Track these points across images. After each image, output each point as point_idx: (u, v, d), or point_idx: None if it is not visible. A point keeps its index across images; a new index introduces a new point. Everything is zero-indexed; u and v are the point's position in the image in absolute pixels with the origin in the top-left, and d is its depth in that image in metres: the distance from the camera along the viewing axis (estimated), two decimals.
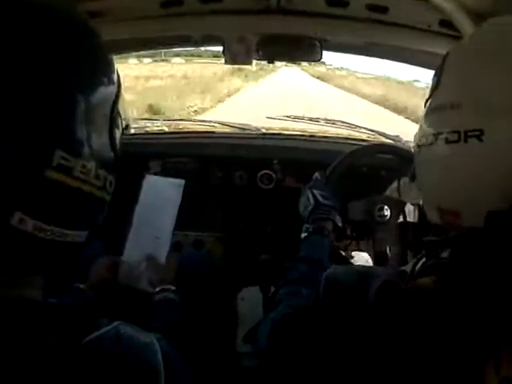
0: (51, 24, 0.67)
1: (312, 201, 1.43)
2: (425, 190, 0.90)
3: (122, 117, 0.80)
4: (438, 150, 0.79)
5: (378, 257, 1.86)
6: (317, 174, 1.54)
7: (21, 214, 0.62)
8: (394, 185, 1.75)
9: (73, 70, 0.67)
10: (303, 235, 1.37)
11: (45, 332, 0.65)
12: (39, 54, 0.63)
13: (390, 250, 1.80)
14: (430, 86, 0.88)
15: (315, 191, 1.45)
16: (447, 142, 0.76)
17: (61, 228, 0.67)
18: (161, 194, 1.53)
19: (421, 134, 0.85)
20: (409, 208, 1.67)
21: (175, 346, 0.90)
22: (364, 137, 2.56)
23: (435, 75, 0.85)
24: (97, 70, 0.72)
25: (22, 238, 0.63)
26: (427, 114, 0.85)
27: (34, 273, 0.72)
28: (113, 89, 0.75)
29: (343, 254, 2.02)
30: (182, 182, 1.53)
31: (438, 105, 0.81)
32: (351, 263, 1.95)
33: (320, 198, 1.42)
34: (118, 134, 0.77)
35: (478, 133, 0.71)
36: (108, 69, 0.75)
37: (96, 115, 0.69)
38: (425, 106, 0.87)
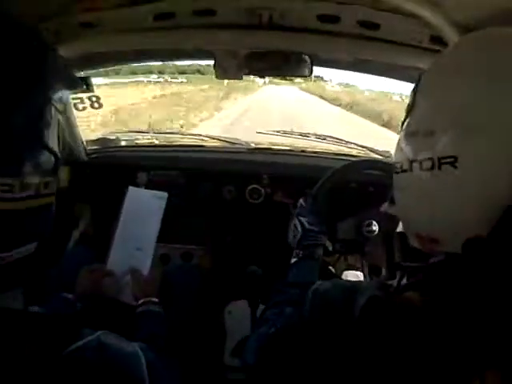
0: None
1: (299, 228, 1.43)
2: (402, 216, 0.90)
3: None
4: (413, 176, 0.78)
5: (372, 269, 1.87)
6: (301, 201, 1.53)
7: None
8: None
9: None
10: (293, 260, 1.37)
11: (25, 340, 0.64)
12: None
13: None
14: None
15: (302, 218, 1.45)
16: (421, 169, 0.76)
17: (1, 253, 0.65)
18: (144, 207, 1.54)
19: (397, 160, 0.84)
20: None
21: (159, 357, 0.89)
22: (354, 152, 2.58)
23: (411, 95, 0.84)
24: (16, 82, 0.66)
25: None
26: (403, 138, 0.83)
27: (7, 289, 0.70)
28: (38, 92, 0.69)
29: (332, 269, 2.02)
30: (165, 194, 1.54)
31: (412, 130, 0.80)
32: (340, 278, 1.96)
33: (306, 225, 1.42)
34: (48, 127, 0.71)
35: (451, 159, 0.70)
36: (30, 74, 0.69)
37: (12, 122, 0.64)
38: (401, 127, 0.86)
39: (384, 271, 1.85)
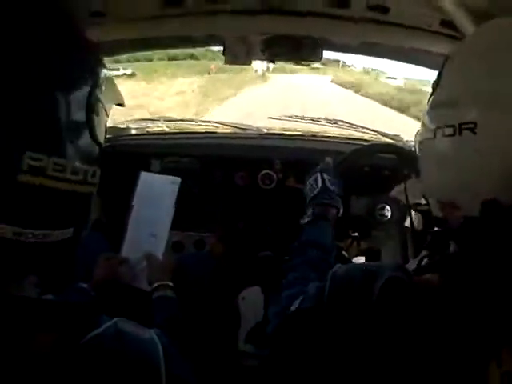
0: (12, 20, 0.63)
1: (320, 183, 1.40)
2: (426, 183, 0.94)
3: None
4: (436, 144, 0.83)
5: (369, 253, 1.86)
6: (328, 159, 1.51)
7: None
8: (400, 186, 1.74)
9: (39, 65, 0.64)
10: (306, 219, 1.35)
11: (42, 329, 0.64)
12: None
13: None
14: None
15: (324, 175, 1.41)
16: (444, 135, 0.80)
17: (42, 230, 0.66)
18: (156, 191, 1.54)
19: (422, 130, 0.89)
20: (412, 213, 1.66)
21: (174, 343, 0.90)
22: (366, 137, 2.56)
23: (437, 76, 0.89)
24: (65, 63, 0.68)
25: (4, 244, 0.62)
26: (428, 111, 0.88)
27: (25, 274, 0.71)
28: (87, 78, 0.71)
29: (345, 254, 2.02)
30: (178, 179, 1.54)
31: (437, 102, 0.86)
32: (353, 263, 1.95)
33: (328, 183, 1.39)
34: (97, 121, 0.73)
35: (471, 125, 0.75)
36: (79, 58, 0.72)
37: (67, 108, 0.66)
38: (427, 104, 0.90)
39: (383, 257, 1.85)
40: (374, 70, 39.31)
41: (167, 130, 2.65)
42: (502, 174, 0.73)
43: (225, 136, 2.59)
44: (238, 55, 1.82)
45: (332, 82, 32.86)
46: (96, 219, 2.14)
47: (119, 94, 1.41)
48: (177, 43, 2.20)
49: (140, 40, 1.91)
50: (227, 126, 2.67)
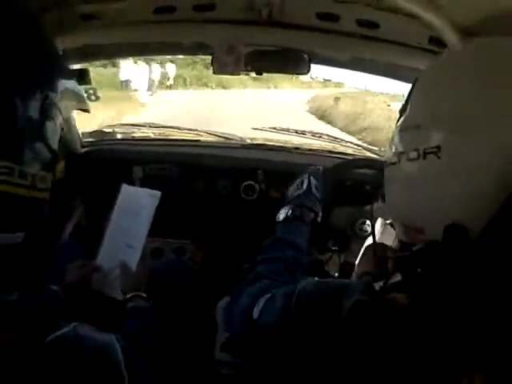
0: None
1: (305, 186, 1.41)
2: (391, 207, 0.93)
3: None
4: (401, 168, 0.83)
5: (344, 267, 1.87)
6: (320, 167, 1.51)
7: None
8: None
9: None
10: (282, 217, 1.35)
11: (4, 328, 0.64)
12: None
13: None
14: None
15: (312, 179, 1.42)
16: (408, 159, 0.80)
17: None
18: (136, 204, 1.55)
19: (388, 154, 0.89)
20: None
21: (144, 351, 0.89)
22: (349, 151, 2.59)
23: (406, 98, 0.89)
24: (20, 66, 0.68)
25: None
26: (395, 134, 0.88)
27: None
28: (42, 83, 0.71)
29: (324, 267, 2.02)
30: (158, 193, 1.55)
31: (403, 126, 0.85)
32: (332, 277, 1.96)
33: (313, 188, 1.40)
34: (50, 126, 0.73)
35: (435, 150, 0.74)
36: (35, 62, 0.71)
37: (20, 111, 0.66)
38: (396, 126, 0.90)
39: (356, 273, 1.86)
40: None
41: (152, 136, 2.65)
42: (466, 197, 0.73)
43: (208, 145, 2.59)
44: (227, 65, 1.82)
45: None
46: (76, 223, 2.13)
47: (83, 100, 1.39)
48: (165, 50, 2.19)
49: (129, 45, 1.91)
50: (211, 134, 2.67)
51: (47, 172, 0.73)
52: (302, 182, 1.42)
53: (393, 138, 0.88)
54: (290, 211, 1.35)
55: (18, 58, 0.67)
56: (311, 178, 1.43)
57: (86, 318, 0.83)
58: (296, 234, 1.31)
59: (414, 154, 0.78)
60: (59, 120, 0.75)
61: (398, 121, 0.88)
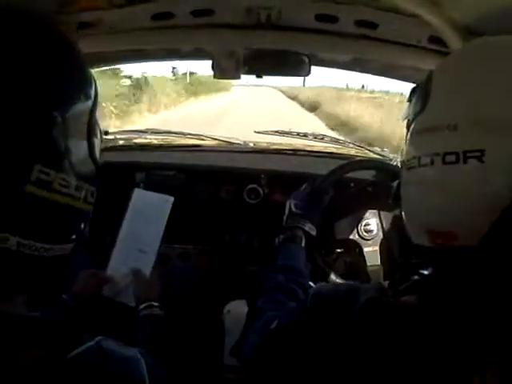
0: (29, 41, 0.67)
1: (287, 210, 1.46)
2: (413, 212, 0.87)
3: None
4: (434, 171, 0.77)
5: (351, 268, 1.87)
6: (305, 185, 1.55)
7: (2, 231, 0.62)
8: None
9: (49, 86, 0.67)
10: (275, 245, 1.40)
11: (27, 346, 0.64)
12: (15, 71, 0.63)
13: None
14: (411, 106, 0.88)
15: (292, 201, 1.48)
16: (444, 163, 0.74)
17: (43, 243, 0.67)
18: (149, 209, 1.55)
19: (410, 156, 0.83)
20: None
21: (159, 361, 0.89)
22: (352, 152, 2.58)
23: (420, 96, 0.84)
24: (72, 85, 0.72)
25: (4, 255, 0.63)
26: (417, 135, 0.83)
27: (20, 288, 0.72)
28: (89, 100, 0.75)
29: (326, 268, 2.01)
30: (171, 198, 1.55)
31: (430, 126, 0.79)
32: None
33: (293, 208, 1.45)
34: (96, 142, 0.77)
35: (478, 153, 0.70)
36: (84, 81, 0.75)
37: (73, 128, 0.69)
38: (408, 127, 0.86)
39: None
40: None
41: (154, 141, 2.64)
42: (507, 201, 0.69)
43: (211, 149, 2.58)
44: (227, 69, 1.82)
45: None
46: None
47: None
48: (165, 56, 2.19)
49: (128, 51, 1.90)
50: (213, 139, 2.66)
51: (94, 187, 0.77)
52: (286, 210, 1.49)
53: (413, 138, 0.84)
54: (279, 238, 1.42)
55: (69, 77, 0.72)
56: (291, 200, 1.49)
57: (98, 327, 0.83)
58: (286, 256, 1.35)
59: (451, 158, 0.73)
60: (99, 136, 0.80)
61: (414, 119, 0.84)
